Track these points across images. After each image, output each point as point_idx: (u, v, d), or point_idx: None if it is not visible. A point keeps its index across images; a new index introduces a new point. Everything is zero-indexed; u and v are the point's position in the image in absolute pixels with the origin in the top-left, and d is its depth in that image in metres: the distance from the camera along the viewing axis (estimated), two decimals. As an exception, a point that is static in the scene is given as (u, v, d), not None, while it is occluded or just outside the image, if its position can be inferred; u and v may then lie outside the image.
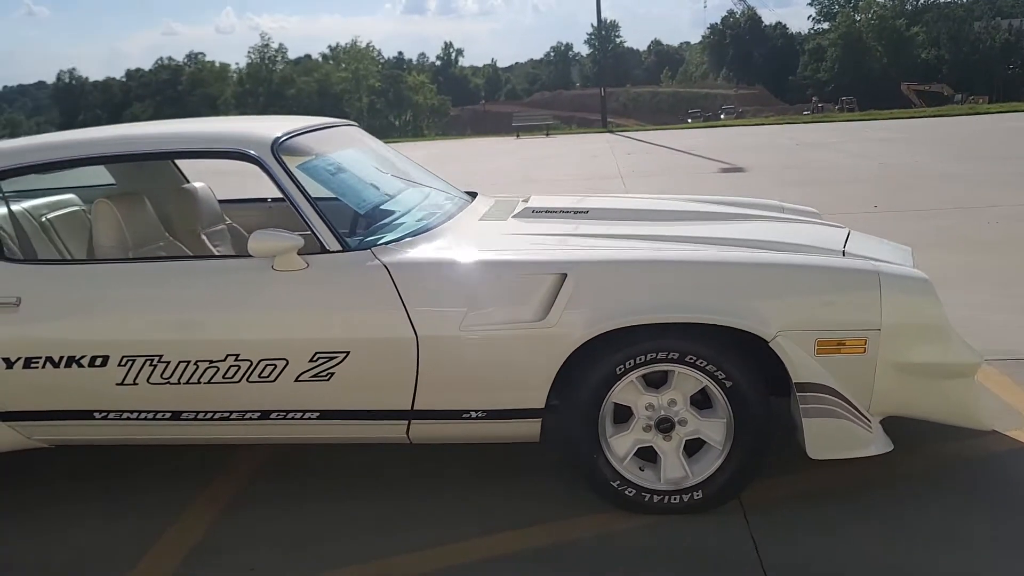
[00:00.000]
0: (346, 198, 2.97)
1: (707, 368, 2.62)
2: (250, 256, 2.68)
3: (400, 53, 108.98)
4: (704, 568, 2.47)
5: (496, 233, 3.01)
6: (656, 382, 2.71)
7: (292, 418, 2.77)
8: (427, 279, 2.69)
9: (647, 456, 2.77)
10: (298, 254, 2.68)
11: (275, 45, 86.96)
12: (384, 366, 2.67)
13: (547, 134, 24.70)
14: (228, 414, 2.79)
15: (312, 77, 78.87)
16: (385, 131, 72.48)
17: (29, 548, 2.73)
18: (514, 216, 3.24)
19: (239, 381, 2.72)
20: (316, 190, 2.88)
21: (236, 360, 2.70)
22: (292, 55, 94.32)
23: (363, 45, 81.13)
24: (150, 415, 2.81)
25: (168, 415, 2.81)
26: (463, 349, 2.65)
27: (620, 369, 2.64)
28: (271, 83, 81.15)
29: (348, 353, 2.67)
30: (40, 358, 2.75)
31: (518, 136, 24.49)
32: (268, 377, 2.70)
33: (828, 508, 2.74)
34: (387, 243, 2.78)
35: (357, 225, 2.98)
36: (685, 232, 3.03)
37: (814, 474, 2.87)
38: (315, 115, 3.45)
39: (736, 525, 2.67)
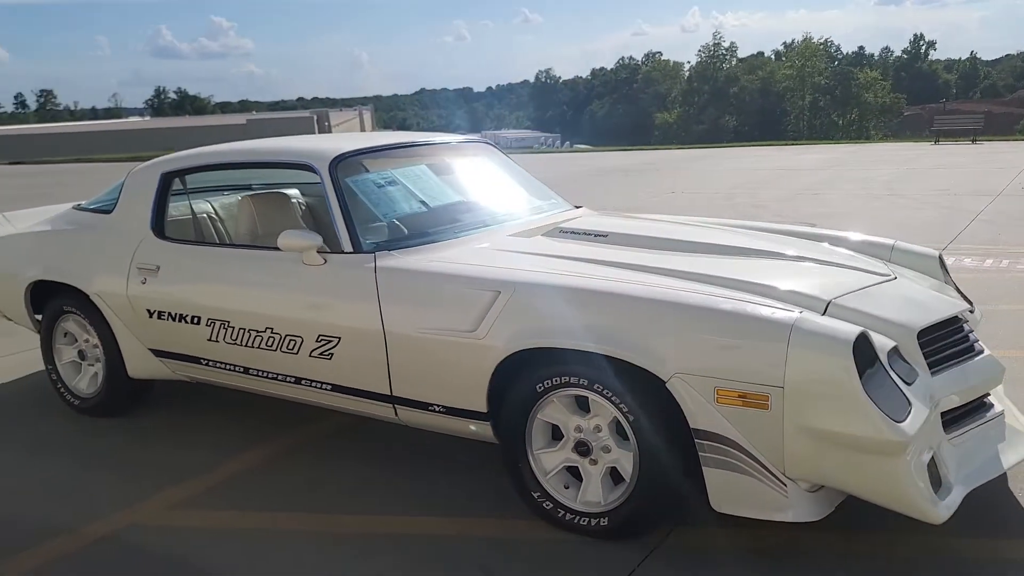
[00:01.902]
0: (378, 207, 3.47)
1: (612, 399, 2.68)
2: (293, 250, 3.33)
3: (860, 48, 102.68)
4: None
5: (500, 249, 3.28)
6: (587, 406, 2.82)
7: (314, 386, 3.39)
8: (401, 283, 3.10)
9: (580, 475, 2.89)
10: (319, 252, 3.26)
11: (726, 44, 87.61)
12: (364, 353, 3.16)
13: (973, 140, 21.96)
14: (276, 375, 3.49)
15: (756, 75, 78.22)
16: (826, 131, 69.23)
17: (165, 451, 3.71)
18: (543, 235, 3.48)
19: (276, 350, 3.40)
20: (372, 199, 3.45)
21: (272, 333, 3.39)
22: (747, 52, 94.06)
23: (819, 40, 78.15)
24: (230, 367, 3.63)
25: (241, 369, 3.60)
26: (418, 348, 3.03)
27: (540, 387, 2.81)
28: (716, 81, 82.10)
29: (340, 339, 3.21)
30: (167, 312, 3.72)
31: (936, 142, 22.15)
32: (292, 350, 3.35)
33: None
34: (390, 249, 3.25)
35: (393, 233, 3.46)
36: (679, 265, 3.00)
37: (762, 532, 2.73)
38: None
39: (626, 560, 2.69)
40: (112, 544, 2.91)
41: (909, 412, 2.42)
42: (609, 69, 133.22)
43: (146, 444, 3.80)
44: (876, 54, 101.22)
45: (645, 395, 2.63)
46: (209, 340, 3.61)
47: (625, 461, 2.74)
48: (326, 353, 3.26)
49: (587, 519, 2.80)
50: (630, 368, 2.63)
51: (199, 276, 3.66)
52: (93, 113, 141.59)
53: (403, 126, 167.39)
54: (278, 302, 3.38)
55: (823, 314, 2.69)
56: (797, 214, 10.07)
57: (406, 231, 3.43)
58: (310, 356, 3.31)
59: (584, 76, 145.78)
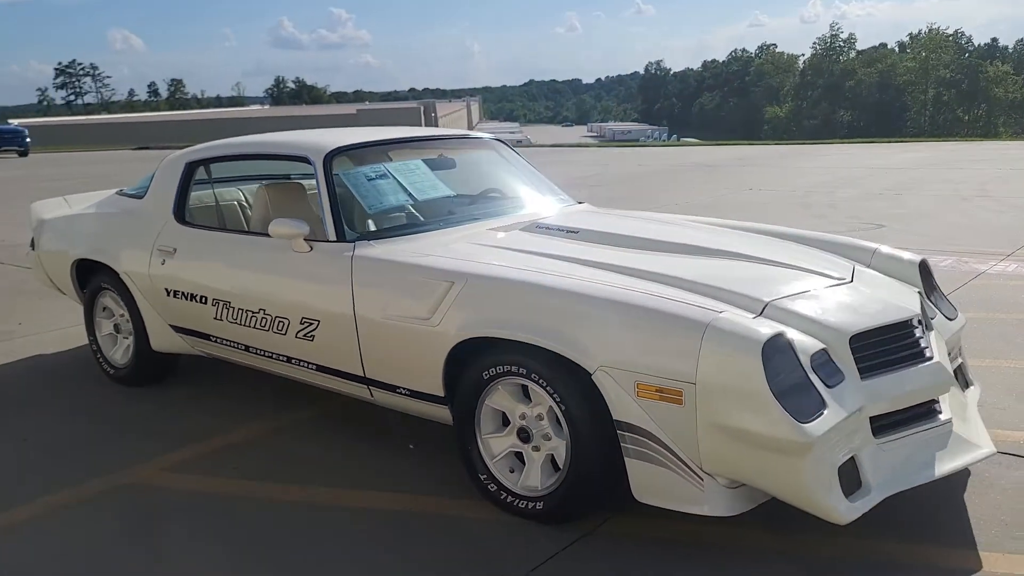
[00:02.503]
0: (365, 199, 3.66)
1: (547, 389, 2.81)
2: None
3: (993, 40, 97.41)
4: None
5: (472, 242, 3.42)
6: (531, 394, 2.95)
7: (302, 366, 3.62)
8: (372, 271, 3.30)
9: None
10: (306, 240, 3.49)
11: (844, 35, 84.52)
12: (340, 336, 3.37)
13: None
14: (270, 354, 3.74)
15: (874, 68, 75.18)
16: (949, 127, 65.98)
17: (177, 419, 4.03)
18: (522, 229, 3.61)
19: (268, 330, 3.66)
20: (361, 191, 3.66)
21: (264, 314, 3.65)
22: (867, 44, 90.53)
23: (947, 31, 74.45)
24: (234, 344, 3.91)
25: (243, 347, 3.87)
26: (384, 333, 3.22)
27: (486, 375, 2.96)
28: (831, 74, 79.36)
29: (320, 322, 3.43)
30: (181, 291, 4.03)
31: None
32: (281, 331, 3.60)
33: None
34: (370, 239, 3.44)
35: (377, 224, 3.65)
36: (632, 263, 3.08)
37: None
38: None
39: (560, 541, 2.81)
40: (106, 499, 3.22)
41: (821, 414, 2.46)
42: (721, 61, 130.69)
43: (163, 412, 4.12)
44: (1010, 47, 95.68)
45: (575, 386, 2.74)
46: (215, 319, 3.90)
47: (561, 449, 2.86)
48: (308, 335, 3.49)
49: (525, 502, 2.93)
50: (561, 360, 2.74)
51: (207, 259, 3.95)
52: (218, 101, 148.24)
53: (510, 117, 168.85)
54: (270, 285, 3.63)
55: (760, 314, 2.74)
56: (866, 214, 9.81)
57: (389, 223, 3.62)
58: (296, 337, 3.55)
59: (695, 68, 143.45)
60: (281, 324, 3.59)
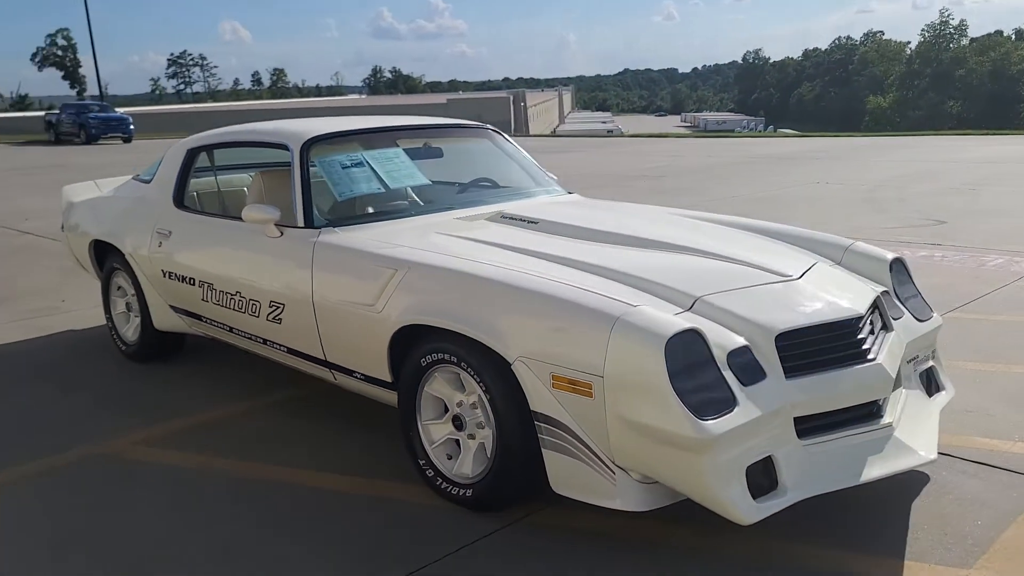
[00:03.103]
0: (337, 186, 3.72)
1: (475, 377, 2.83)
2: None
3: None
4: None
5: (432, 231, 3.46)
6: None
7: (275, 347, 3.73)
8: (331, 257, 3.37)
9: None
10: (277, 225, 3.59)
11: (954, 22, 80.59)
12: (302, 320, 3.46)
13: None
14: (249, 335, 3.87)
15: (987, 57, 71.45)
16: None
17: (167, 396, 4.21)
18: (487, 219, 3.62)
19: (244, 313, 3.78)
20: (334, 178, 3.73)
21: (240, 296, 3.77)
22: (980, 31, 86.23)
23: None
24: (219, 325, 4.05)
25: (227, 328, 4.01)
26: (338, 318, 3.29)
27: (424, 362, 3.00)
28: (940, 63, 75.86)
29: (284, 305, 3.53)
30: (174, 273, 4.20)
31: None
32: (255, 313, 3.71)
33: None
34: (335, 226, 3.52)
35: (345, 211, 3.72)
36: (575, 254, 3.06)
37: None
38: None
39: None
40: (77, 469, 3.40)
41: (727, 412, 2.40)
42: (823, 50, 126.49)
43: (157, 388, 4.32)
44: None
45: (498, 376, 2.75)
46: (203, 300, 4.05)
47: (489, 438, 2.87)
48: (276, 318, 3.59)
49: (457, 488, 2.96)
50: (486, 349, 2.76)
51: (196, 242, 4.10)
52: (317, 91, 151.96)
53: (602, 106, 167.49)
54: (245, 269, 3.75)
55: (689, 309, 2.70)
56: (933, 210, 9.40)
57: (357, 210, 3.69)
58: (267, 320, 3.66)
59: (795, 57, 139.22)
60: (254, 306, 3.71)
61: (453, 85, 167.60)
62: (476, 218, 3.64)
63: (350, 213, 3.67)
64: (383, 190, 3.79)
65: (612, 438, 2.52)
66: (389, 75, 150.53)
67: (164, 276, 4.28)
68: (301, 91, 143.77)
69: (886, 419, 2.78)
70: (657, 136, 29.90)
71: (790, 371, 2.61)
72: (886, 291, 3.23)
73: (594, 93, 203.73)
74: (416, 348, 3.02)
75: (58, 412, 4.03)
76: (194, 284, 4.07)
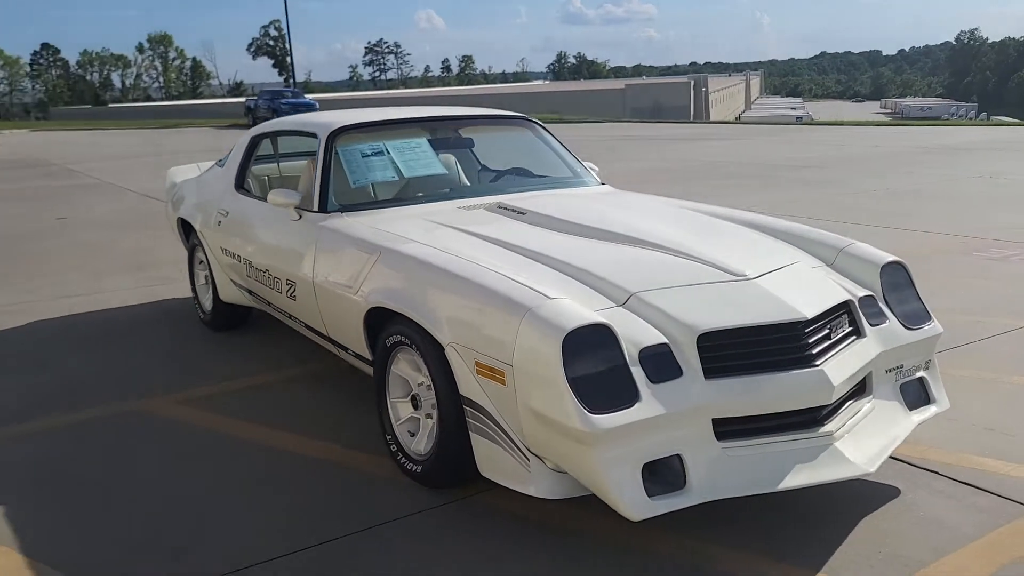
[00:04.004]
0: (353, 174, 3.92)
1: (423, 360, 2.97)
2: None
3: None
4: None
5: (425, 219, 3.59)
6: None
7: (297, 322, 4.03)
8: (331, 241, 3.60)
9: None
10: (297, 209, 3.87)
11: None
12: (308, 299, 3.72)
13: None
14: (281, 310, 4.19)
15: None
16: None
17: (216, 362, 4.62)
18: (485, 208, 3.73)
19: (273, 289, 4.10)
20: (352, 166, 3.96)
21: (270, 275, 4.09)
22: None
23: None
24: (261, 300, 4.40)
25: (266, 302, 4.35)
26: (331, 298, 3.53)
27: (388, 343, 3.17)
28: None
29: (296, 283, 3.80)
30: (228, 250, 4.59)
31: None
32: (279, 289, 4.02)
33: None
34: (345, 211, 3.75)
35: (358, 197, 3.92)
36: (539, 246, 3.12)
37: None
38: None
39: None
40: (112, 421, 3.83)
41: (625, 407, 2.42)
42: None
43: (213, 354, 4.75)
44: None
45: (438, 360, 2.88)
46: (247, 276, 4.41)
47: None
48: (292, 295, 3.88)
49: (412, 464, 3.12)
50: (427, 333, 2.89)
51: (242, 223, 4.47)
52: (503, 77, 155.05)
53: (793, 92, 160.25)
54: (272, 249, 4.07)
55: (622, 304, 2.72)
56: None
57: (368, 197, 3.90)
58: (287, 297, 3.95)
59: (1016, 37, 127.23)
60: (278, 284, 4.01)
61: (638, 70, 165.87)
62: (475, 207, 3.76)
63: (361, 200, 3.89)
64: (396, 178, 3.98)
65: (524, 426, 2.59)
66: (573, 61, 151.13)
67: (223, 252, 4.69)
68: (487, 78, 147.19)
69: (827, 428, 2.68)
70: (837, 124, 28.42)
71: (711, 372, 2.58)
72: (870, 296, 3.07)
73: (786, 78, 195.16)
74: (384, 330, 3.19)
75: (121, 369, 4.53)
76: (240, 261, 4.44)
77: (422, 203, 3.87)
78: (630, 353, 2.52)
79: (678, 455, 2.52)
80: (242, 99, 46.10)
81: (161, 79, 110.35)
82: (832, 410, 2.74)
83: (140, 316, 5.65)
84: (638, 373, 2.50)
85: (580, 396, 2.41)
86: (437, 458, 2.97)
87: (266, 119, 36.42)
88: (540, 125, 4.67)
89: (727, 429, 2.59)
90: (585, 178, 4.46)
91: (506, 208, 3.68)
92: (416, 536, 2.79)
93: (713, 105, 67.07)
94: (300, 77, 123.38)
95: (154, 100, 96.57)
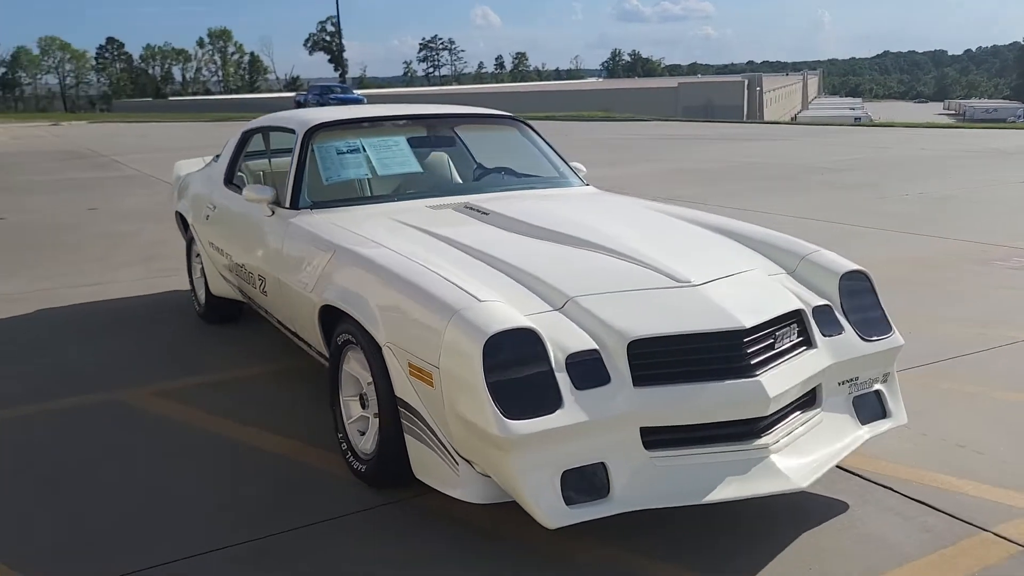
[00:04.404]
0: (327, 171, 3.93)
1: (367, 359, 2.97)
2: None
3: None
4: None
5: (388, 217, 3.58)
6: (376, 364, 3.12)
7: (273, 318, 4.07)
8: (295, 238, 3.63)
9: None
10: (270, 205, 3.90)
11: None
12: (276, 295, 3.75)
13: None
14: (258, 305, 4.23)
15: None
16: None
17: (199, 355, 4.69)
18: (452, 208, 3.72)
19: (249, 283, 4.15)
20: (326, 163, 3.98)
21: (245, 269, 4.14)
22: None
23: None
24: (243, 293, 4.45)
25: (247, 297, 4.40)
26: (293, 296, 3.55)
27: (339, 341, 3.18)
28: None
29: (266, 280, 3.84)
30: (215, 244, 4.65)
31: None
32: (253, 284, 4.07)
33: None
34: (314, 208, 3.77)
35: (329, 194, 3.92)
36: (489, 247, 3.10)
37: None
38: None
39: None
40: (89, 410, 3.91)
41: (545, 414, 2.38)
42: None
43: (199, 347, 4.83)
44: None
45: (378, 360, 2.88)
46: (231, 271, 4.47)
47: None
48: (264, 290, 3.92)
49: (358, 463, 3.12)
50: (367, 333, 2.89)
51: (225, 217, 4.53)
52: (556, 74, 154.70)
53: (853, 92, 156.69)
54: (247, 244, 4.11)
55: (558, 309, 2.69)
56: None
57: (339, 194, 3.92)
58: (261, 292, 3.99)
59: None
60: (252, 279, 4.06)
61: (693, 69, 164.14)
62: (444, 207, 3.75)
63: (333, 197, 3.91)
64: (369, 176, 3.99)
65: (451, 429, 2.57)
66: (628, 58, 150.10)
67: (211, 246, 4.76)
68: (540, 75, 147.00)
69: (763, 440, 2.61)
70: (891, 126, 27.79)
71: (640, 380, 2.53)
72: (826, 305, 2.99)
73: (845, 78, 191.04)
74: (336, 328, 3.20)
75: (113, 359, 4.63)
76: (224, 255, 4.50)
77: (393, 201, 3.87)
78: (557, 359, 2.49)
79: (602, 463, 2.48)
80: (292, 94, 46.79)
81: (220, 73, 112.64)
82: (773, 422, 2.68)
83: (144, 307, 5.76)
84: (563, 379, 2.46)
85: (499, 401, 2.38)
86: (379, 459, 2.97)
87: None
88: (527, 125, 4.64)
89: (656, 438, 2.55)
90: (569, 178, 4.42)
91: (472, 208, 3.67)
92: (354, 535, 2.79)
93: (767, 105, 66.06)
94: (355, 73, 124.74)
95: (213, 94, 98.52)
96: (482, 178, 4.41)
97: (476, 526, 2.80)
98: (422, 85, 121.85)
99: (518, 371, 2.44)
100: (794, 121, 48.01)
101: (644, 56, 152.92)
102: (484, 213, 3.57)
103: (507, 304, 2.63)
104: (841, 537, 2.69)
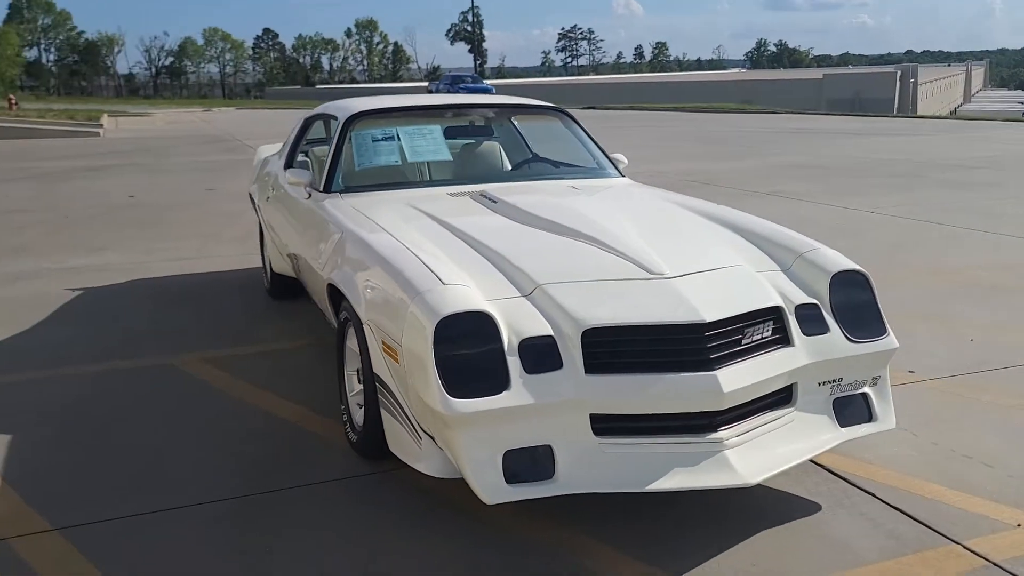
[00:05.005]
0: (360, 156, 4.10)
1: (357, 335, 3.12)
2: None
3: None
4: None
5: (404, 203, 3.71)
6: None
7: (316, 294, 4.30)
8: (319, 220, 3.83)
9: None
10: (307, 187, 4.12)
11: None
12: (305, 270, 3.98)
13: None
14: (303, 282, 4.48)
15: None
16: None
17: (253, 327, 5.00)
18: (470, 196, 3.82)
19: (293, 263, 4.39)
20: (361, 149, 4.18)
21: (289, 248, 4.39)
22: None
23: None
24: (294, 271, 4.71)
25: (296, 275, 4.66)
26: (313, 273, 3.76)
27: (341, 318, 3.36)
28: None
29: (300, 258, 4.07)
30: (272, 225, 4.94)
31: None
32: (297, 264, 4.31)
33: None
34: (343, 192, 3.96)
35: (360, 180, 4.10)
36: (481, 234, 3.18)
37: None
38: None
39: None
40: (141, 372, 4.26)
41: (491, 395, 2.46)
42: None
43: (257, 318, 5.15)
44: None
45: (362, 337, 3.03)
46: (280, 248, 4.74)
47: (376, 392, 3.16)
48: (298, 269, 4.16)
49: (353, 435, 3.29)
50: (355, 311, 3.05)
51: (281, 200, 4.79)
52: (698, 64, 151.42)
53: (1023, 84, 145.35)
54: (291, 225, 4.37)
55: (528, 295, 2.76)
56: None
57: (368, 180, 4.09)
58: (297, 269, 4.23)
59: None
60: (294, 258, 4.30)
61: (844, 59, 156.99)
62: (461, 195, 3.86)
63: (363, 182, 4.08)
64: (399, 163, 4.14)
65: (413, 404, 2.69)
66: (773, 48, 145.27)
67: (269, 227, 5.05)
68: (681, 65, 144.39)
69: (719, 434, 2.60)
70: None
71: (593, 367, 2.56)
72: (813, 304, 2.92)
73: (1016, 69, 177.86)
74: (339, 305, 3.37)
75: (177, 327, 5.00)
76: (277, 234, 4.77)
77: (418, 188, 4.02)
78: (510, 342, 2.56)
79: (548, 446, 2.54)
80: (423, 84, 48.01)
81: (365, 63, 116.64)
82: (734, 417, 2.65)
83: (223, 282, 6.15)
84: (514, 362, 2.53)
85: (445, 380, 2.48)
86: (365, 431, 3.13)
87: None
88: (569, 116, 4.68)
89: (608, 425, 2.58)
90: (606, 169, 4.45)
91: (485, 197, 3.76)
92: (329, 501, 2.95)
93: (923, 98, 62.40)
94: (494, 62, 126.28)
95: (357, 82, 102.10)
96: (519, 167, 4.48)
97: (444, 497, 2.90)
98: (559, 75, 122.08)
99: (467, 352, 2.53)
100: (953, 115, 45.18)
101: (791, 46, 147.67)
102: (493, 202, 3.65)
103: (475, 288, 2.72)
104: (801, 537, 2.65)
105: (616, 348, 2.60)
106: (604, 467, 2.55)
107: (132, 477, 3.12)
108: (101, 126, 24.90)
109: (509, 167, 4.53)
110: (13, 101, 34.12)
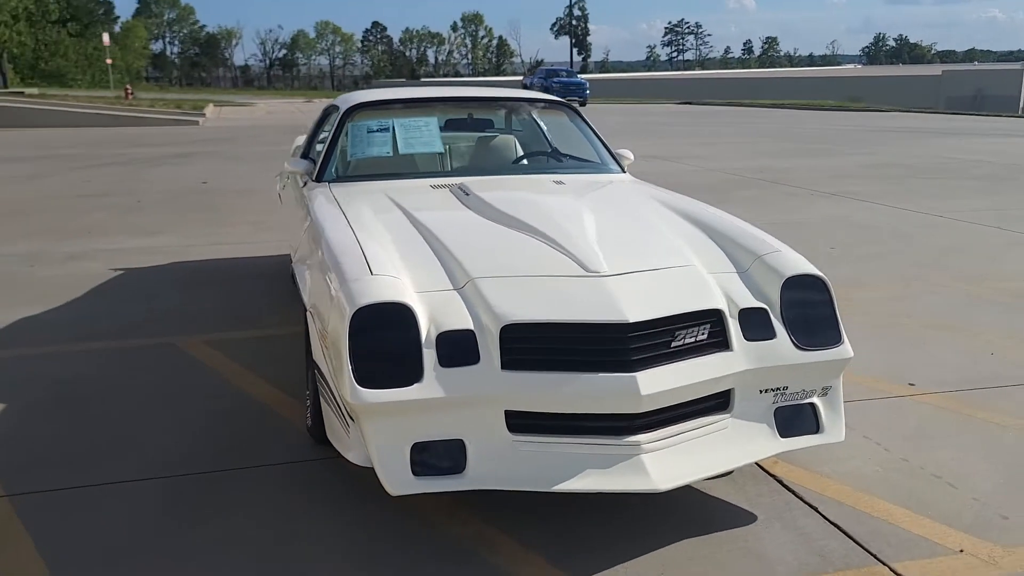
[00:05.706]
0: (354, 147, 4.14)
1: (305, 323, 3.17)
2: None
3: None
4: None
5: (383, 193, 3.72)
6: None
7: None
8: (304, 208, 3.89)
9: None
10: (302, 176, 4.21)
11: None
12: (306, 255, 4.05)
13: None
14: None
15: None
16: None
17: (258, 310, 5.13)
18: (448, 188, 3.80)
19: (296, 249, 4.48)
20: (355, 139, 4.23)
21: (295, 235, 4.48)
22: None
23: None
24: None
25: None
26: (304, 261, 3.83)
27: (305, 304, 3.41)
28: None
29: (301, 244, 4.15)
30: (285, 210, 5.05)
31: None
32: (296, 250, 4.40)
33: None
34: (333, 181, 4.02)
35: (352, 169, 4.14)
36: (436, 226, 3.17)
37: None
38: None
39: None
40: (143, 350, 4.43)
41: (402, 386, 2.46)
42: None
43: (266, 303, 5.28)
44: None
45: (309, 324, 3.07)
46: (293, 235, 4.84)
47: (329, 379, 3.20)
48: (304, 253, 4.23)
49: (309, 420, 3.33)
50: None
51: (286, 188, 4.89)
52: (810, 60, 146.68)
53: None
54: (290, 213, 4.45)
55: (459, 288, 2.74)
56: None
57: (359, 170, 4.14)
58: (300, 256, 4.31)
59: None
60: (298, 244, 4.39)
61: (970, 55, 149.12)
62: (441, 187, 3.85)
63: (354, 172, 4.13)
64: (391, 154, 4.17)
65: (338, 392, 2.72)
66: (892, 43, 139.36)
67: (286, 214, 5.17)
68: (792, 60, 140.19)
69: (636, 438, 2.52)
70: None
71: (509, 364, 2.52)
72: (760, 308, 2.79)
73: None
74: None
75: (188, 309, 5.18)
76: (287, 223, 4.88)
77: (403, 179, 4.03)
78: (428, 335, 2.54)
79: (460, 440, 2.52)
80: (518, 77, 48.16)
81: (469, 56, 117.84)
82: (657, 420, 2.57)
83: (254, 267, 6.34)
84: (429, 355, 2.52)
85: (357, 369, 2.48)
86: (313, 417, 3.17)
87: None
88: (575, 110, 4.62)
89: (523, 422, 2.54)
90: (607, 164, 4.37)
91: (460, 190, 3.74)
92: (273, 483, 3.01)
93: (1052, 97, 58.85)
94: (598, 57, 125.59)
95: (462, 76, 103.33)
96: (518, 161, 4.45)
97: (378, 486, 2.91)
98: (664, 70, 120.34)
99: (381, 343, 2.53)
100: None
101: (912, 41, 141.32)
102: (466, 195, 3.63)
103: (407, 280, 2.71)
104: (721, 548, 2.55)
105: (535, 345, 2.56)
106: (516, 464, 2.51)
107: (94, 450, 3.25)
108: (203, 115, 25.96)
109: (513, 160, 4.49)
110: (129, 91, 35.91)
